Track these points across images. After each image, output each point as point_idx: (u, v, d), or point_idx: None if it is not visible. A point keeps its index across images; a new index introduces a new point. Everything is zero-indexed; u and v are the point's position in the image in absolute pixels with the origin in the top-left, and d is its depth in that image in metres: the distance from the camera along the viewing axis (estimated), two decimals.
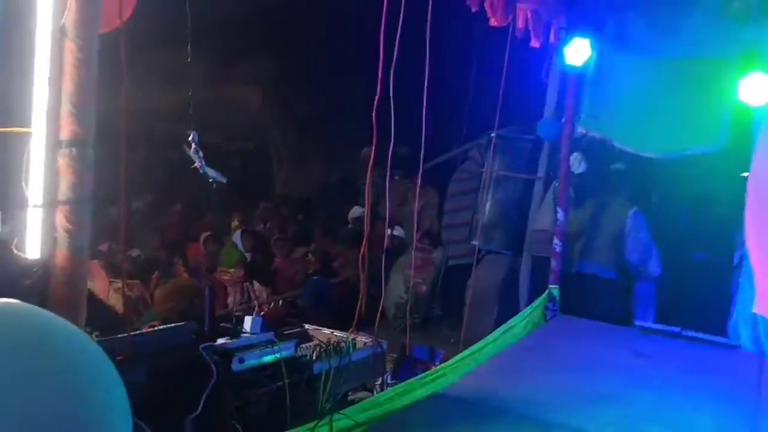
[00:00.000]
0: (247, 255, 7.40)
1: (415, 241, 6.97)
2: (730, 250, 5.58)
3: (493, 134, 6.12)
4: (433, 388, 3.58)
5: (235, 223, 8.73)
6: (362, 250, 3.48)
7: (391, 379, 3.99)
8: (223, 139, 10.01)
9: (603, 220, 5.92)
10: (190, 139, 2.66)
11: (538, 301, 5.49)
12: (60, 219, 1.85)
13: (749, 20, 4.94)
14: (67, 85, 1.85)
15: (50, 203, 1.84)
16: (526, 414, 3.41)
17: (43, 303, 1.81)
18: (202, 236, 7.25)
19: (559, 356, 4.59)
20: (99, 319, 3.17)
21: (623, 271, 5.85)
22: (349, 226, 8.61)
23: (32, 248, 1.86)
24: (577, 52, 5.25)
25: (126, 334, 2.42)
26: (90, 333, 3.37)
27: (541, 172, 6.59)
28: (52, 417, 0.58)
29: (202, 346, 2.68)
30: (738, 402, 3.78)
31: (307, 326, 3.55)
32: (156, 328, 3.08)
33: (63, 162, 1.85)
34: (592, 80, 5.66)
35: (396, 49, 3.31)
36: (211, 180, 2.79)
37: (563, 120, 5.76)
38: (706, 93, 5.22)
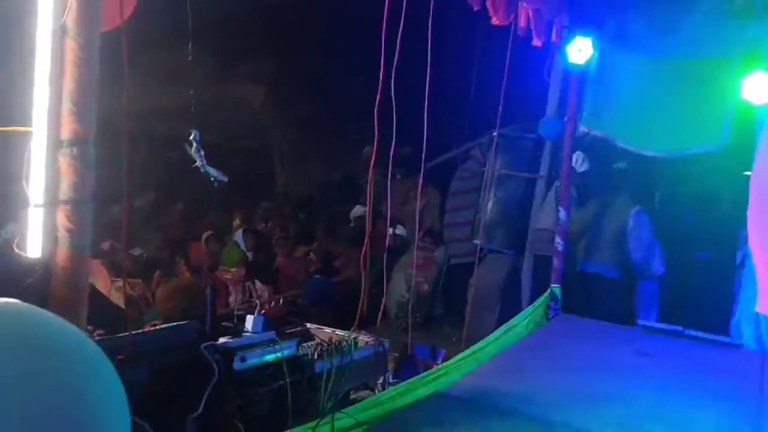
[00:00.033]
0: (249, 254, 7.40)
1: (416, 240, 6.96)
2: (732, 249, 5.57)
3: (494, 133, 6.11)
4: (435, 387, 3.58)
5: (236, 222, 8.74)
6: (364, 249, 3.48)
7: (393, 378, 3.99)
8: (224, 139, 10.01)
9: (606, 220, 5.90)
10: (191, 138, 2.65)
11: (540, 300, 5.48)
12: (61, 218, 1.85)
13: (751, 19, 4.93)
14: (68, 84, 1.84)
15: (51, 202, 1.84)
16: (528, 413, 3.41)
17: (44, 302, 1.81)
18: (204, 235, 7.25)
19: (560, 355, 4.59)
20: (103, 317, 3.18)
21: (626, 270, 5.84)
22: (351, 225, 8.62)
23: (33, 247, 1.86)
24: (579, 50, 5.24)
25: (127, 333, 2.42)
26: (92, 332, 3.38)
27: (543, 171, 6.58)
28: (50, 417, 0.58)
29: (203, 345, 2.68)
30: (740, 401, 3.77)
31: (308, 325, 3.54)
32: (157, 327, 3.08)
33: (64, 161, 1.85)
34: (594, 79, 5.65)
35: (397, 48, 3.30)
36: (212, 179, 2.79)
37: (565, 119, 5.76)
38: (708, 92, 5.21)
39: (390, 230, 6.57)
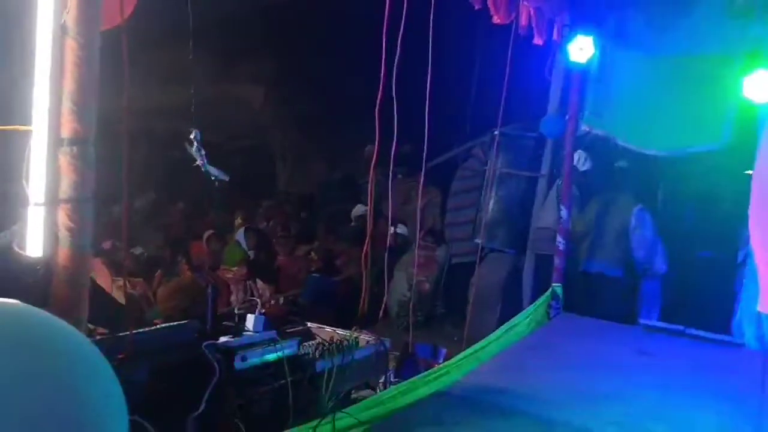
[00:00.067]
0: (250, 253, 7.40)
1: (418, 239, 6.96)
2: (734, 247, 5.57)
3: (496, 132, 6.10)
4: (436, 387, 3.58)
5: (238, 221, 8.74)
6: (365, 248, 3.48)
7: (394, 378, 3.99)
8: (225, 138, 10.02)
9: (608, 219, 5.91)
10: (191, 137, 2.65)
11: (542, 299, 5.47)
12: (61, 217, 1.85)
13: (753, 17, 4.92)
14: (68, 84, 1.84)
15: (52, 202, 1.84)
16: (529, 412, 3.40)
17: (45, 301, 1.81)
18: (205, 234, 7.26)
19: (562, 354, 4.58)
20: (104, 313, 3.18)
21: (629, 269, 5.84)
22: (352, 224, 8.61)
23: (34, 247, 1.86)
24: (581, 49, 5.24)
25: (128, 332, 2.42)
26: (93, 330, 3.38)
27: (545, 169, 6.57)
28: (47, 417, 0.58)
29: (204, 344, 2.67)
30: (742, 401, 3.77)
31: (309, 324, 3.54)
32: (158, 326, 3.08)
33: (64, 160, 1.85)
34: (595, 77, 5.65)
35: (398, 47, 3.30)
36: (213, 178, 2.78)
37: (566, 117, 5.75)
38: (710, 90, 5.20)
39: (391, 229, 6.57)
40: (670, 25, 5.37)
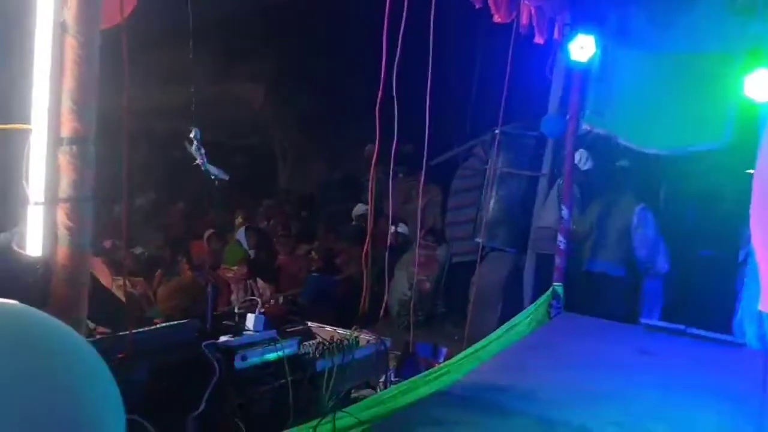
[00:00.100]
0: (251, 252, 7.40)
1: (418, 239, 6.95)
2: (735, 247, 5.56)
3: (497, 131, 6.09)
4: (437, 386, 3.57)
5: (238, 220, 8.74)
6: (365, 247, 3.48)
7: (395, 377, 3.98)
8: (225, 137, 10.02)
9: (611, 218, 5.91)
10: (191, 136, 2.64)
11: (542, 299, 5.47)
12: (61, 216, 1.84)
13: (755, 15, 4.91)
14: (68, 82, 1.84)
15: (51, 201, 1.83)
16: (530, 411, 3.40)
17: (44, 301, 1.81)
18: (206, 234, 7.26)
19: (562, 354, 4.58)
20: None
21: (632, 269, 5.84)
22: (353, 223, 8.61)
23: (33, 246, 1.85)
24: (582, 48, 5.23)
25: (128, 332, 2.42)
26: (93, 330, 3.37)
27: (546, 168, 6.56)
28: (44, 418, 0.58)
29: (204, 343, 2.67)
30: (743, 400, 3.76)
31: (309, 324, 3.54)
32: (158, 326, 3.07)
33: (64, 159, 1.84)
34: (596, 76, 5.64)
35: (399, 46, 3.29)
36: (213, 177, 2.78)
37: (567, 117, 5.74)
38: (711, 89, 5.19)
39: (392, 228, 6.57)
40: (671, 23, 5.36)
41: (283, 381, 2.84)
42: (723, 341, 5.11)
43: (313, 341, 3.21)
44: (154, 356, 2.53)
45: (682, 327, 5.26)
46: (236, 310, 3.09)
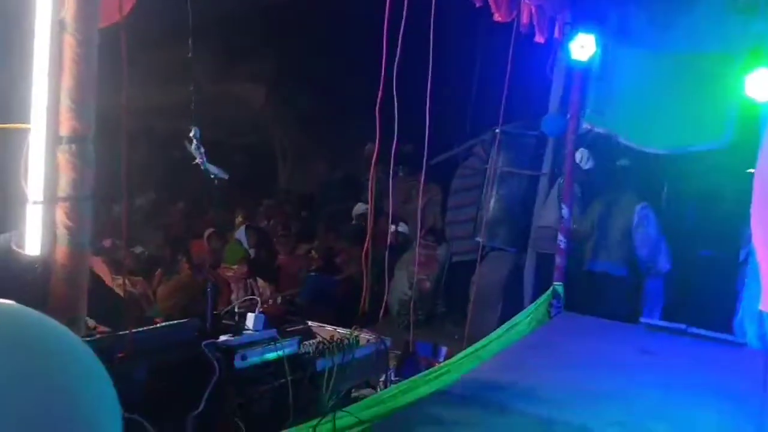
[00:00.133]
0: (251, 251, 7.39)
1: (418, 238, 6.95)
2: (736, 246, 5.55)
3: (497, 130, 6.09)
4: (437, 386, 3.57)
5: (238, 219, 8.73)
6: (365, 246, 3.47)
7: (395, 376, 3.98)
8: (225, 137, 10.01)
9: (612, 218, 5.92)
10: (191, 135, 2.64)
11: (543, 298, 5.47)
12: (60, 216, 1.84)
13: (756, 14, 4.90)
14: (67, 81, 1.83)
15: (50, 200, 1.83)
16: (530, 411, 3.39)
17: (43, 300, 1.81)
18: (206, 233, 7.25)
19: (563, 353, 4.57)
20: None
21: (634, 268, 5.84)
22: (353, 222, 8.60)
23: (32, 245, 1.85)
24: (582, 47, 5.22)
25: (128, 331, 2.41)
26: (93, 328, 3.37)
27: (546, 168, 6.56)
28: (39, 418, 0.57)
29: (204, 343, 2.66)
30: (744, 400, 3.75)
31: (309, 323, 3.53)
32: (158, 325, 3.07)
33: (63, 158, 1.84)
34: (597, 76, 5.63)
35: (399, 45, 3.29)
36: (212, 176, 2.77)
37: (568, 116, 5.74)
38: (712, 88, 5.19)
39: (392, 227, 6.56)
40: (672, 22, 5.35)
41: (283, 380, 2.84)
42: (724, 341, 5.11)
43: (313, 341, 3.20)
44: (153, 355, 2.52)
45: (682, 326, 5.25)
46: (236, 310, 3.08)
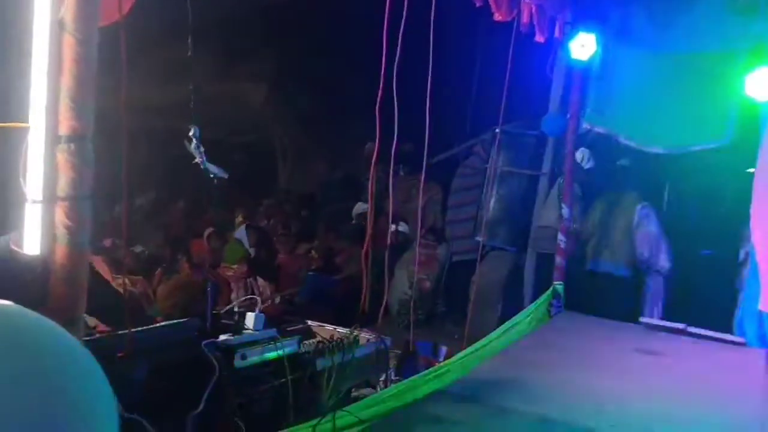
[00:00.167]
0: (251, 250, 7.39)
1: (419, 237, 6.94)
2: (736, 246, 5.56)
3: (497, 129, 6.08)
4: (437, 385, 3.57)
5: (238, 219, 8.73)
6: (365, 246, 3.47)
7: (395, 376, 3.98)
8: (225, 136, 10.00)
9: (613, 218, 5.93)
10: (190, 134, 2.64)
11: (543, 298, 5.47)
12: (59, 215, 1.83)
13: (756, 14, 4.90)
14: (66, 80, 1.82)
15: (49, 199, 1.82)
16: (530, 411, 3.39)
17: (43, 300, 1.80)
18: (206, 232, 7.24)
19: (563, 353, 4.57)
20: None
21: (635, 268, 5.85)
22: (353, 222, 8.60)
23: (32, 245, 1.84)
24: (583, 46, 5.22)
25: (127, 331, 2.41)
26: (93, 327, 3.36)
27: (546, 167, 6.56)
28: (36, 419, 0.57)
29: (204, 342, 2.66)
30: (744, 399, 3.75)
31: (309, 323, 3.53)
32: (158, 324, 3.07)
33: (62, 158, 1.83)
34: (597, 75, 5.63)
35: (399, 45, 3.28)
36: (212, 176, 2.77)
37: (568, 116, 5.73)
38: (712, 88, 5.19)
39: (392, 227, 6.55)
40: (672, 22, 5.35)
41: (283, 380, 2.84)
42: (724, 340, 5.11)
43: (313, 340, 3.20)
44: (153, 355, 2.52)
45: (682, 326, 5.25)
46: (236, 309, 3.08)
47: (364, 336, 3.44)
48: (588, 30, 5.19)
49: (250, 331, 2.92)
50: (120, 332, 2.49)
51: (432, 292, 7.55)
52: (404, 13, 3.28)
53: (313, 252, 7.81)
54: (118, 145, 2.13)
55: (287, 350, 2.92)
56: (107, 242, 6.05)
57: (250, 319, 2.96)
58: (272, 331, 2.98)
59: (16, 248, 1.85)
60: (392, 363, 4.16)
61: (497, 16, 4.50)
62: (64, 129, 1.83)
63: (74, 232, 1.84)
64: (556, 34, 5.32)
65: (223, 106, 9.15)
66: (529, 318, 5.10)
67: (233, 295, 6.42)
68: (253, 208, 9.51)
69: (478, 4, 4.32)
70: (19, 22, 1.85)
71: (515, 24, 4.71)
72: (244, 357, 2.74)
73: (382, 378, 3.72)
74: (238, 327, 2.92)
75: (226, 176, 2.85)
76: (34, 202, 1.82)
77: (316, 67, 9.90)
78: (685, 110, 5.33)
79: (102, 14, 1.93)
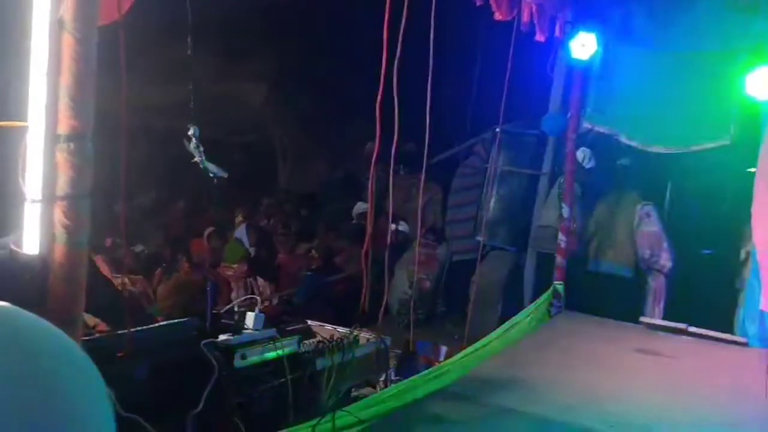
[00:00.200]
0: (252, 249, 7.39)
1: (419, 237, 6.94)
2: (737, 245, 5.55)
3: (497, 129, 6.08)
4: (437, 385, 3.56)
5: (238, 218, 8.72)
6: (365, 245, 3.46)
7: (395, 376, 3.97)
8: (225, 136, 10.00)
9: (616, 218, 5.93)
10: (190, 133, 2.63)
11: (543, 298, 5.46)
12: (58, 214, 1.83)
13: (757, 13, 4.89)
14: (65, 79, 1.82)
15: (48, 198, 1.82)
16: (530, 411, 3.39)
17: (41, 299, 1.80)
18: (206, 232, 7.24)
19: (563, 353, 4.57)
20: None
21: (637, 267, 5.84)
22: (353, 221, 8.59)
23: (30, 244, 1.84)
24: (583, 46, 5.21)
25: (127, 330, 2.40)
26: (93, 326, 3.36)
27: (546, 167, 6.55)
28: (30, 420, 0.56)
29: (203, 342, 2.66)
30: (745, 400, 3.75)
31: (309, 322, 3.53)
32: (158, 324, 3.06)
33: (61, 156, 1.82)
34: (597, 75, 5.62)
35: (399, 44, 3.28)
36: (211, 175, 2.77)
37: (568, 115, 5.72)
38: (713, 87, 5.18)
39: (392, 226, 6.54)
40: (673, 21, 5.34)
41: (282, 380, 2.83)
42: (725, 340, 5.10)
43: (313, 340, 3.20)
44: (153, 355, 2.52)
45: (683, 326, 5.25)
46: (236, 309, 3.08)
47: (364, 336, 3.44)
48: (588, 29, 5.18)
49: (249, 331, 2.91)
50: (120, 332, 2.49)
51: (432, 292, 7.54)
52: (404, 12, 3.27)
53: (313, 252, 7.80)
54: (118, 145, 2.13)
55: (287, 350, 2.91)
56: (107, 242, 6.04)
57: (249, 318, 2.95)
58: (272, 331, 2.97)
59: (15, 247, 1.84)
60: (392, 363, 4.15)
61: (497, 16, 4.50)
62: (63, 128, 1.83)
63: (73, 232, 1.83)
64: (557, 33, 5.32)
65: (223, 106, 9.14)
66: (529, 318, 5.10)
67: (233, 295, 6.42)
68: (253, 207, 9.51)
69: (478, 3, 4.31)
70: (18, 21, 1.84)
71: (516, 23, 4.70)
72: (243, 357, 2.74)
73: (382, 378, 3.71)
74: (238, 327, 2.92)
75: (225, 175, 2.84)
76: (33, 201, 1.82)
77: (316, 67, 9.89)
78: (686, 109, 5.33)
79: (101, 13, 1.92)
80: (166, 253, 6.93)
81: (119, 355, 2.38)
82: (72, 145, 1.82)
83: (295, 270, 7.29)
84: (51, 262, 1.83)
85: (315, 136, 11.17)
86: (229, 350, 2.71)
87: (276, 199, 10.28)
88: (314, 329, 3.42)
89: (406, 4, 3.29)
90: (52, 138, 1.82)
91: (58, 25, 1.82)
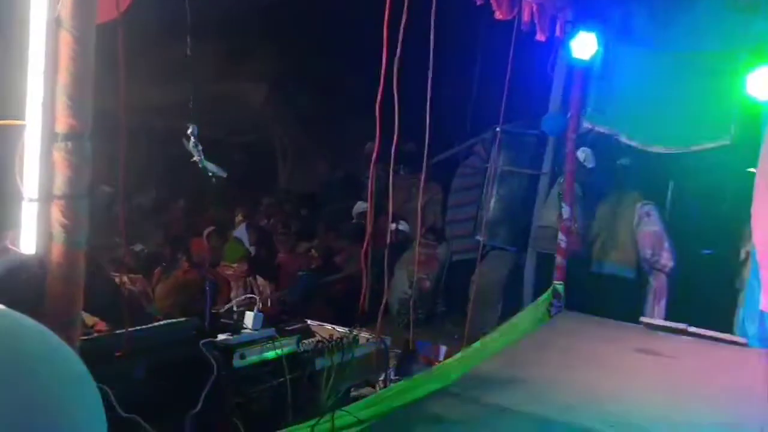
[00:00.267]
0: (252, 249, 7.38)
1: (419, 237, 6.93)
2: (737, 245, 5.54)
3: (497, 129, 6.07)
4: (437, 385, 3.56)
5: (238, 217, 8.72)
6: (365, 245, 3.46)
7: (394, 375, 3.97)
8: (225, 135, 10.00)
9: (617, 218, 5.93)
10: (189, 132, 2.63)
11: (543, 298, 5.46)
12: (56, 214, 1.82)
13: (757, 13, 4.89)
14: (63, 77, 1.81)
15: (46, 198, 1.81)
16: (530, 410, 3.38)
17: (39, 299, 1.79)
18: (206, 231, 7.24)
19: (563, 353, 4.56)
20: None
21: (639, 268, 5.84)
22: (353, 221, 8.59)
23: (28, 243, 1.83)
24: (584, 45, 5.20)
25: (126, 330, 2.40)
26: (92, 326, 3.35)
27: (546, 167, 6.55)
28: (19, 423, 0.55)
29: (202, 342, 2.65)
30: (745, 400, 3.74)
31: (309, 322, 3.52)
32: (157, 324, 3.06)
33: (59, 156, 1.81)
34: (598, 74, 5.61)
35: (399, 44, 3.27)
36: (210, 174, 2.76)
37: (568, 115, 5.72)
38: (713, 87, 5.17)
39: (392, 226, 6.54)
40: (673, 21, 5.34)
41: (281, 379, 2.83)
42: (725, 340, 5.10)
43: (312, 339, 3.19)
44: (152, 354, 2.52)
45: (683, 326, 5.24)
46: (235, 308, 3.07)
47: (364, 335, 3.44)
48: (589, 29, 5.17)
49: (249, 331, 2.91)
50: (119, 331, 2.48)
51: (432, 291, 7.53)
52: (404, 12, 3.27)
53: (312, 251, 7.80)
54: (118, 144, 2.12)
55: (286, 350, 2.91)
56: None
57: (249, 318, 2.95)
58: (271, 331, 2.97)
59: (12, 247, 1.84)
60: (392, 363, 4.14)
61: (498, 15, 4.49)
62: (61, 127, 1.82)
63: (71, 231, 1.82)
64: (557, 32, 5.31)
65: (223, 106, 9.14)
66: (529, 318, 5.10)
67: (233, 294, 6.41)
68: (253, 207, 9.50)
69: (478, 3, 4.30)
70: (15, 19, 1.84)
71: (516, 23, 4.69)
72: (242, 356, 2.73)
73: (382, 377, 3.71)
74: (237, 326, 2.91)
75: (224, 175, 2.84)
76: (31, 200, 1.81)
77: (316, 67, 9.89)
78: (687, 109, 5.32)
79: (99, 11, 1.91)
80: (165, 253, 6.92)
81: (118, 354, 2.38)
82: (70, 144, 1.81)
83: (295, 270, 7.29)
84: (49, 262, 1.82)
85: (315, 135, 11.17)
86: (228, 350, 2.71)
87: (276, 199, 10.27)
88: (314, 329, 3.41)
89: (406, 4, 3.28)
90: (50, 137, 1.81)
91: (55, 23, 1.81)
